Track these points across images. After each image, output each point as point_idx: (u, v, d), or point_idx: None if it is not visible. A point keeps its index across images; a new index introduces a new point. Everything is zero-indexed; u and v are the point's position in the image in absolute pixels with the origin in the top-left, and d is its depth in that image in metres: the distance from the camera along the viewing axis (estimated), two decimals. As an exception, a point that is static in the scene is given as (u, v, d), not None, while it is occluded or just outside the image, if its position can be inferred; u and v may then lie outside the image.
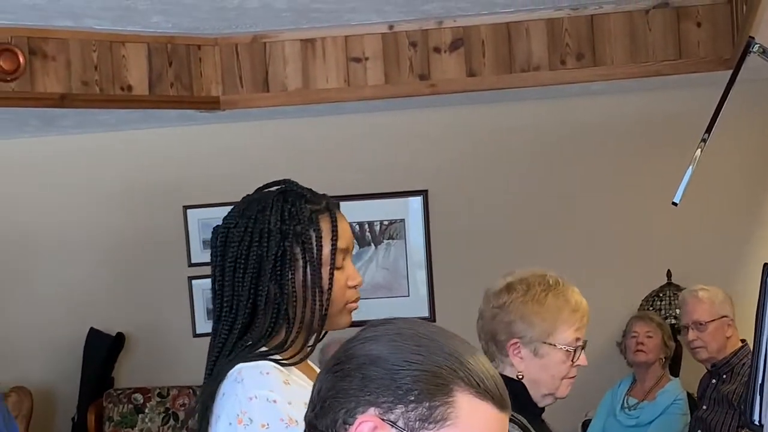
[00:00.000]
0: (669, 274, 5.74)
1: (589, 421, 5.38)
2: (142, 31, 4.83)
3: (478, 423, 1.27)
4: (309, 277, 2.06)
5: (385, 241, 6.12)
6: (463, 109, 5.94)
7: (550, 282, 2.54)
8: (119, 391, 6.14)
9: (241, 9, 4.52)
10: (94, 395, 6.12)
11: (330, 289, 2.07)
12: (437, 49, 5.06)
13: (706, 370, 4.49)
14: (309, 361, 2.11)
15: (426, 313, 6.01)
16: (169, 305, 6.25)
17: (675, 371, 5.36)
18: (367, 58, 5.11)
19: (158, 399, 6.12)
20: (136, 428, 6.09)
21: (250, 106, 5.28)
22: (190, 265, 6.21)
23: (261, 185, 2.18)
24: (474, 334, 2.59)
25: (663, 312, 5.58)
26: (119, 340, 6.21)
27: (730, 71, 3.08)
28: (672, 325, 5.26)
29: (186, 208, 6.20)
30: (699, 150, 2.94)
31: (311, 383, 1.46)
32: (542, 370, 2.51)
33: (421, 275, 6.11)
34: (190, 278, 6.20)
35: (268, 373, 1.97)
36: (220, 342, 2.07)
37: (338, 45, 5.11)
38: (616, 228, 5.91)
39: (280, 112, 5.67)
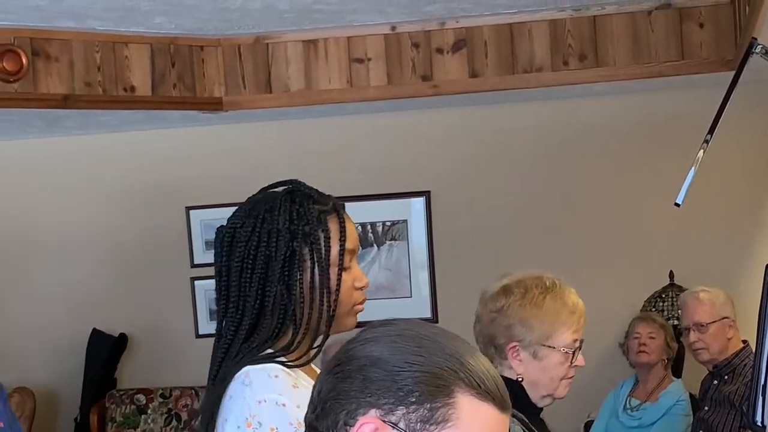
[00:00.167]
0: (671, 275, 5.74)
1: (592, 422, 5.38)
2: (145, 31, 4.83)
3: (479, 424, 1.26)
4: (317, 278, 2.04)
5: (388, 242, 6.13)
6: (465, 110, 5.94)
7: (548, 284, 2.55)
8: (122, 392, 6.15)
9: (244, 10, 4.52)
10: (97, 396, 6.13)
11: (338, 290, 2.06)
12: (440, 50, 5.07)
13: (707, 371, 4.49)
14: (311, 363, 2.11)
15: (428, 314, 6.01)
16: (172, 306, 6.25)
17: (677, 372, 5.36)
18: (369, 59, 5.11)
19: (161, 400, 6.12)
20: (139, 429, 6.09)
21: (253, 107, 5.28)
22: (193, 266, 6.21)
23: (265, 185, 2.17)
24: (476, 335, 2.60)
25: (665, 313, 5.58)
26: (122, 340, 6.22)
27: (733, 72, 3.07)
28: (674, 326, 5.26)
29: (188, 208, 6.20)
30: (701, 151, 2.94)
31: None
32: (541, 372, 2.52)
33: (423, 276, 6.11)
34: (193, 279, 6.20)
35: (276, 377, 1.96)
36: (225, 343, 2.05)
37: (341, 46, 5.11)
38: (618, 229, 5.90)
39: (282, 113, 5.68)
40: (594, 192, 5.93)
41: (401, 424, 1.24)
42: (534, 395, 2.53)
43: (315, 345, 2.08)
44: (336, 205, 2.12)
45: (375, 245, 6.12)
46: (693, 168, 2.92)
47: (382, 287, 6.01)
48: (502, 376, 1.49)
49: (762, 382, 2.70)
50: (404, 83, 5.12)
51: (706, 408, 4.40)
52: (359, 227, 5.95)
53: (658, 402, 5.05)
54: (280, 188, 2.13)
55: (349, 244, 2.09)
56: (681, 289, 5.40)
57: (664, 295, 5.69)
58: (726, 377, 4.34)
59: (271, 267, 2.04)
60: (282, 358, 2.01)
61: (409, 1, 4.61)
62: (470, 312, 2.68)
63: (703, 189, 4.70)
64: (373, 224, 6.11)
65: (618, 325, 5.59)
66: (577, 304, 2.56)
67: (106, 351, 6.17)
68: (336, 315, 2.07)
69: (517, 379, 2.50)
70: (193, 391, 6.07)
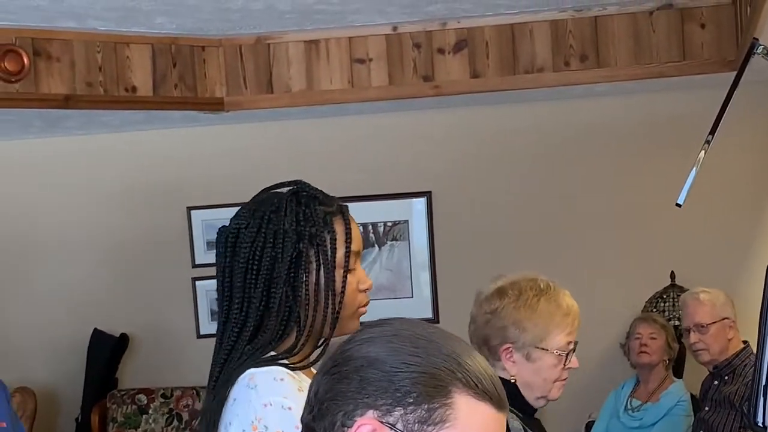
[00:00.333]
0: (672, 275, 5.74)
1: (593, 422, 5.38)
2: (146, 32, 4.83)
3: (477, 424, 1.26)
4: (322, 280, 2.04)
5: (389, 243, 6.13)
6: (466, 111, 5.94)
7: (542, 286, 2.56)
8: (123, 392, 6.15)
9: (245, 10, 4.52)
10: (98, 396, 6.13)
11: (343, 292, 2.05)
12: (441, 51, 5.06)
13: (708, 372, 4.49)
14: (312, 366, 2.10)
15: (429, 315, 6.01)
16: (173, 306, 6.26)
17: (678, 373, 5.35)
18: (370, 60, 5.11)
19: (162, 400, 6.12)
20: (140, 429, 6.09)
21: (254, 108, 5.28)
22: (194, 266, 6.21)
23: (267, 186, 2.15)
24: (475, 336, 2.61)
25: (666, 314, 5.58)
26: (123, 340, 6.22)
27: (734, 73, 3.08)
28: (675, 327, 5.26)
29: (190, 209, 6.20)
30: (703, 151, 2.94)
31: None
32: (534, 374, 2.53)
33: (424, 276, 6.11)
34: (194, 279, 6.20)
35: (282, 380, 1.95)
36: (228, 345, 2.04)
37: (342, 46, 5.11)
38: (619, 229, 5.90)
39: (283, 114, 5.68)
40: (595, 192, 5.93)
41: (399, 425, 1.24)
42: (528, 396, 2.55)
43: (318, 347, 2.06)
44: (341, 207, 2.11)
45: (376, 245, 6.12)
46: (694, 168, 2.92)
47: (384, 288, 6.01)
48: (496, 376, 1.49)
49: (763, 382, 2.70)
50: (405, 83, 5.12)
51: (707, 408, 4.41)
52: (360, 228, 5.94)
53: (659, 402, 5.05)
54: (284, 189, 2.12)
55: (354, 246, 2.09)
56: (682, 290, 5.40)
57: (665, 296, 5.69)
58: (726, 378, 4.34)
59: (277, 269, 2.02)
60: (285, 361, 2.00)
61: (411, 2, 4.61)
62: (471, 313, 2.68)
63: (705, 190, 4.70)
64: (374, 224, 6.11)
65: (619, 325, 5.59)
66: (572, 306, 2.57)
67: (107, 351, 6.17)
68: (340, 317, 2.05)
69: (511, 380, 2.51)
70: (194, 391, 6.07)
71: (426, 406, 1.24)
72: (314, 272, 2.04)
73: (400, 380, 1.24)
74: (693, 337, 4.38)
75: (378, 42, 5.09)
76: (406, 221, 6.12)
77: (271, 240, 2.03)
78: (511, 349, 2.52)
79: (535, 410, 2.60)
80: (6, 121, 5.47)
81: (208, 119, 5.68)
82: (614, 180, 5.91)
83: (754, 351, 3.24)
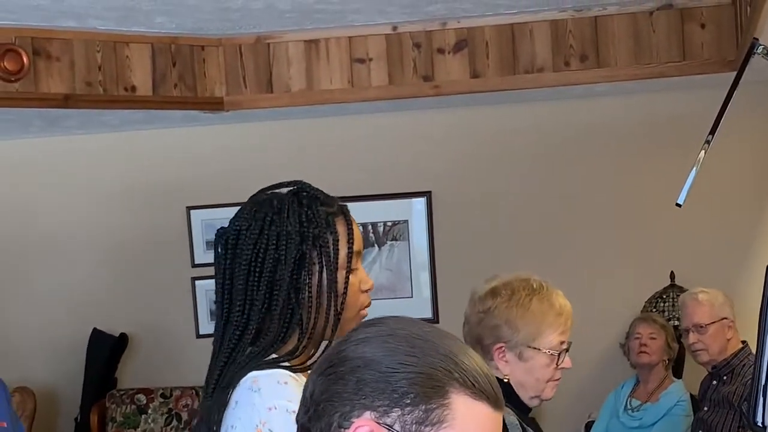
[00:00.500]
0: (672, 275, 5.74)
1: (592, 422, 5.38)
2: (146, 31, 4.83)
3: (474, 423, 1.26)
4: (325, 281, 2.02)
5: (389, 243, 6.12)
6: (466, 111, 5.94)
7: (534, 286, 2.57)
8: (122, 392, 6.15)
9: (245, 10, 4.52)
10: (97, 396, 6.13)
11: (345, 293, 2.04)
12: (441, 51, 5.06)
13: (707, 372, 4.49)
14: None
15: (429, 315, 6.01)
16: (173, 306, 6.25)
17: (678, 373, 5.35)
18: (370, 59, 5.11)
19: (161, 400, 6.12)
20: (139, 429, 6.09)
21: (254, 107, 5.28)
22: (194, 266, 6.21)
23: (266, 186, 2.14)
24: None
25: (666, 314, 5.58)
26: (122, 340, 6.21)
27: (734, 73, 3.08)
28: (675, 327, 5.26)
29: (189, 208, 6.20)
30: (703, 152, 2.94)
31: None
32: (527, 374, 2.54)
33: (424, 276, 6.11)
34: (194, 279, 6.20)
35: (285, 383, 1.93)
36: (229, 347, 2.01)
37: (342, 46, 5.11)
38: (619, 229, 5.90)
39: (283, 113, 5.67)
40: (595, 192, 5.93)
41: (396, 426, 1.23)
42: (522, 396, 2.55)
43: (320, 349, 2.04)
44: (342, 207, 2.10)
45: (376, 245, 6.12)
46: (694, 169, 2.92)
47: (383, 287, 6.01)
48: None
49: (763, 382, 2.70)
50: (405, 83, 5.12)
51: (706, 408, 4.41)
52: (360, 228, 5.94)
53: (658, 402, 5.05)
54: (284, 189, 2.10)
55: (356, 247, 2.08)
56: (682, 290, 5.40)
57: (665, 296, 5.68)
58: (725, 378, 4.34)
59: (280, 271, 2.00)
60: (287, 364, 1.98)
61: (411, 2, 4.61)
62: (471, 313, 2.68)
63: (705, 190, 4.70)
64: (374, 224, 6.11)
65: (619, 325, 5.58)
66: (564, 306, 2.58)
67: (106, 351, 6.17)
68: (342, 319, 2.04)
69: (504, 379, 2.51)
70: (193, 391, 6.06)
71: (423, 407, 1.23)
72: (317, 274, 2.02)
73: (397, 381, 1.24)
74: (692, 337, 4.38)
75: (378, 42, 5.09)
76: (406, 221, 6.12)
77: (274, 242, 2.01)
78: (503, 348, 2.53)
79: (530, 409, 2.60)
80: (6, 121, 5.47)
81: (207, 119, 5.68)
82: (614, 180, 5.90)
83: (753, 351, 3.24)
